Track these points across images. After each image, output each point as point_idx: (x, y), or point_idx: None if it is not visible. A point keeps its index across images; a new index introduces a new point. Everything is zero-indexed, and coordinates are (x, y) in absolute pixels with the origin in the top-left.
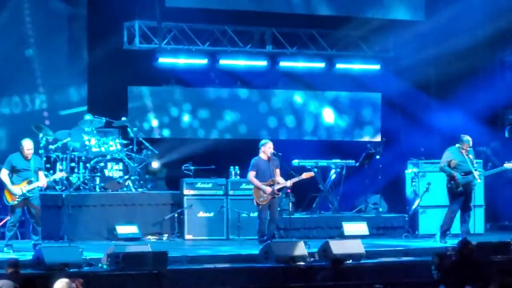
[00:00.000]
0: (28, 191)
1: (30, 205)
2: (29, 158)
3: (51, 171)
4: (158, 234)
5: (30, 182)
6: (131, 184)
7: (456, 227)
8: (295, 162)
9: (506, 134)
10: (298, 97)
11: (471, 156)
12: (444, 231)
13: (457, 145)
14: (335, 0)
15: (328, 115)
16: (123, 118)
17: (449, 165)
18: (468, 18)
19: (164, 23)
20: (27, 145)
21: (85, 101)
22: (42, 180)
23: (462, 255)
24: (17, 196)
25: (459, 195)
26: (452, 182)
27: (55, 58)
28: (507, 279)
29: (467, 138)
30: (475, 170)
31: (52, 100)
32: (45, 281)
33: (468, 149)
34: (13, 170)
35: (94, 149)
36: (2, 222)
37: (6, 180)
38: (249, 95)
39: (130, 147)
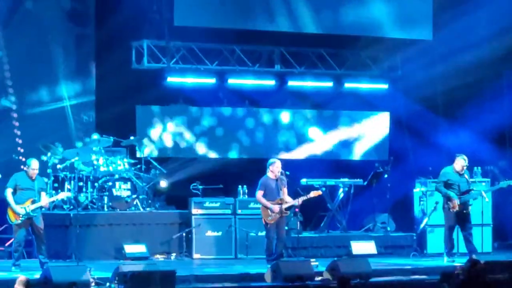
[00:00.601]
0: (32, 210)
1: (33, 225)
2: (33, 178)
3: (59, 190)
4: (166, 253)
5: (33, 202)
6: (139, 204)
7: (464, 246)
8: (303, 181)
9: None
10: (305, 116)
11: (466, 176)
12: (449, 251)
13: (453, 165)
14: (343, 20)
15: (336, 134)
16: (131, 137)
17: (445, 186)
18: (475, 38)
19: (172, 43)
20: (34, 165)
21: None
22: (44, 200)
23: (470, 274)
24: (21, 216)
25: (455, 215)
26: (448, 202)
27: (63, 76)
28: None
29: (462, 157)
30: (471, 189)
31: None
32: None
33: (464, 168)
34: (16, 189)
35: (102, 169)
36: (10, 242)
37: (11, 199)
38: (257, 114)
39: (138, 166)
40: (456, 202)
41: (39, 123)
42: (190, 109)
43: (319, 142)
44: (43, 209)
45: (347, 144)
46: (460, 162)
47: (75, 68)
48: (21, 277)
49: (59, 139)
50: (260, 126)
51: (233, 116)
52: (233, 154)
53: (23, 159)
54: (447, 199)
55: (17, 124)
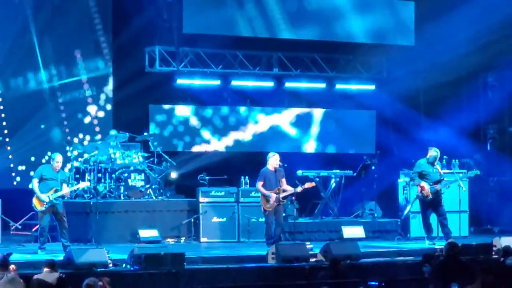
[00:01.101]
0: (55, 198)
1: (56, 212)
2: (57, 170)
3: (80, 181)
4: (176, 237)
5: (56, 191)
6: (152, 193)
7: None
8: (299, 172)
9: (488, 147)
10: (300, 114)
11: (438, 167)
12: (429, 235)
13: (426, 156)
14: (333, 28)
15: (327, 130)
16: (145, 133)
17: (419, 176)
18: (453, 43)
19: (181, 48)
20: (57, 158)
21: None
22: (65, 190)
23: (448, 256)
24: (45, 203)
25: (429, 203)
26: (422, 192)
27: (44, 62)
28: (489, 278)
29: (434, 149)
30: (443, 178)
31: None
32: (75, 279)
33: (436, 160)
34: (41, 179)
35: (118, 161)
36: (36, 228)
37: (37, 188)
38: (258, 112)
39: (151, 159)
40: (428, 190)
41: (21, 105)
42: (197, 108)
43: (314, 138)
44: (65, 198)
45: (338, 139)
46: (432, 154)
47: (60, 54)
48: (48, 260)
49: (41, 119)
50: (260, 123)
51: (236, 114)
52: (235, 148)
53: (7, 140)
54: (421, 188)
55: (1, 107)
